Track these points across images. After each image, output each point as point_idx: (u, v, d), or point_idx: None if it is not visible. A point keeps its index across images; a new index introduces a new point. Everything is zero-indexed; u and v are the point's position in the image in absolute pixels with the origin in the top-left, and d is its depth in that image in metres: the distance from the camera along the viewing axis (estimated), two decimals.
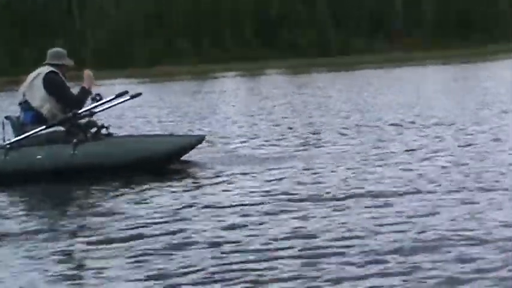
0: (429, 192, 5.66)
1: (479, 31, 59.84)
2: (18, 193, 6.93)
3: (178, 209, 5.59)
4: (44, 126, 7.58)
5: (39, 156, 7.46)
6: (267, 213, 5.27)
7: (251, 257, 4.21)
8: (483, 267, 3.84)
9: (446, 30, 60.02)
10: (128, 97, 7.99)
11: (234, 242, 4.53)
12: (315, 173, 6.85)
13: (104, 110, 7.96)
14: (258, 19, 62.00)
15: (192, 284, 3.83)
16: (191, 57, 57.81)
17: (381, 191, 5.83)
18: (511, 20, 59.77)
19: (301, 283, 3.75)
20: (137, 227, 5.06)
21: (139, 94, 8.14)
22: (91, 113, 7.82)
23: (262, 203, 5.61)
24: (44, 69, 7.74)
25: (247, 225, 4.94)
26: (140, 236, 4.81)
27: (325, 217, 5.05)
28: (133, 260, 4.30)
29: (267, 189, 6.17)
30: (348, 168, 6.99)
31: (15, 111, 7.93)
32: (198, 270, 4.02)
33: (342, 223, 4.85)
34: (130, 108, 16.44)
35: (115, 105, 8.05)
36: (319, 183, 6.33)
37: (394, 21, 62.86)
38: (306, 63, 50.66)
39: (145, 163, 7.54)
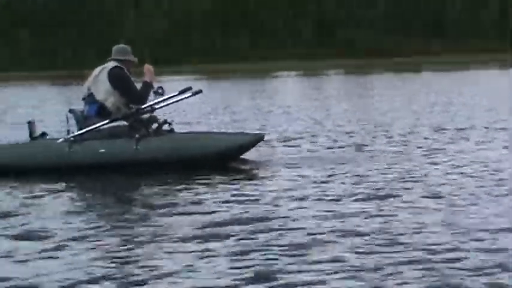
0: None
1: None
2: (80, 187, 7.00)
3: (234, 207, 5.57)
4: (107, 120, 7.68)
5: (102, 150, 7.55)
6: (325, 215, 5.22)
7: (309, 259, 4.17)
8: None
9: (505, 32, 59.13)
10: (190, 94, 8.02)
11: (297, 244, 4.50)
12: (380, 173, 6.80)
13: (166, 105, 8.01)
14: (315, 18, 61.84)
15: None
16: (248, 54, 57.96)
17: (448, 192, 5.75)
18: None
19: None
20: (197, 225, 5.06)
21: (200, 91, 8.17)
22: (152, 109, 7.89)
23: (318, 203, 5.58)
24: (110, 64, 7.84)
25: (304, 228, 4.90)
26: (201, 235, 4.81)
27: (391, 215, 4.99)
28: (198, 257, 4.30)
29: (322, 188, 6.15)
30: (410, 170, 6.91)
31: (78, 104, 8.03)
32: (263, 273, 4.00)
33: (401, 222, 4.79)
34: (187, 105, 16.53)
35: (177, 101, 8.09)
36: (383, 182, 6.28)
37: (452, 23, 62.10)
38: (363, 63, 50.36)
39: (205, 160, 7.57)
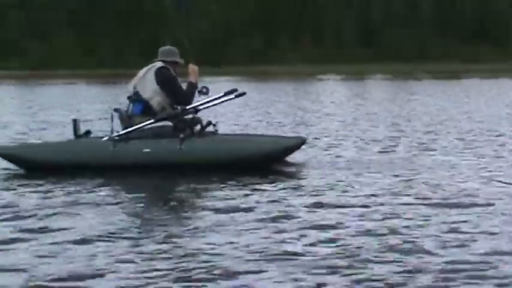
0: None
1: None
2: (124, 186, 7.01)
3: (278, 210, 5.53)
4: (152, 120, 7.68)
5: (146, 150, 7.56)
6: (371, 218, 5.15)
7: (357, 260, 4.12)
8: None
9: None
10: (233, 95, 8.01)
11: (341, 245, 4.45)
12: (426, 179, 6.74)
13: (210, 106, 8.00)
14: (359, 21, 61.60)
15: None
16: (291, 57, 57.96)
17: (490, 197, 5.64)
18: None
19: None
20: (238, 226, 5.04)
21: (244, 93, 8.15)
22: (196, 110, 7.89)
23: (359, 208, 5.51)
24: (157, 64, 7.85)
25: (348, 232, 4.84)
26: (241, 234, 4.78)
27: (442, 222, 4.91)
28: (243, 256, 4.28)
29: (368, 193, 6.10)
30: (460, 179, 6.81)
31: (122, 103, 8.04)
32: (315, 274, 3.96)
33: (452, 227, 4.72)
34: (229, 106, 16.52)
35: (221, 103, 8.08)
36: (430, 188, 6.21)
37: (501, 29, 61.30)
38: (408, 68, 49.97)
39: (248, 162, 7.56)
